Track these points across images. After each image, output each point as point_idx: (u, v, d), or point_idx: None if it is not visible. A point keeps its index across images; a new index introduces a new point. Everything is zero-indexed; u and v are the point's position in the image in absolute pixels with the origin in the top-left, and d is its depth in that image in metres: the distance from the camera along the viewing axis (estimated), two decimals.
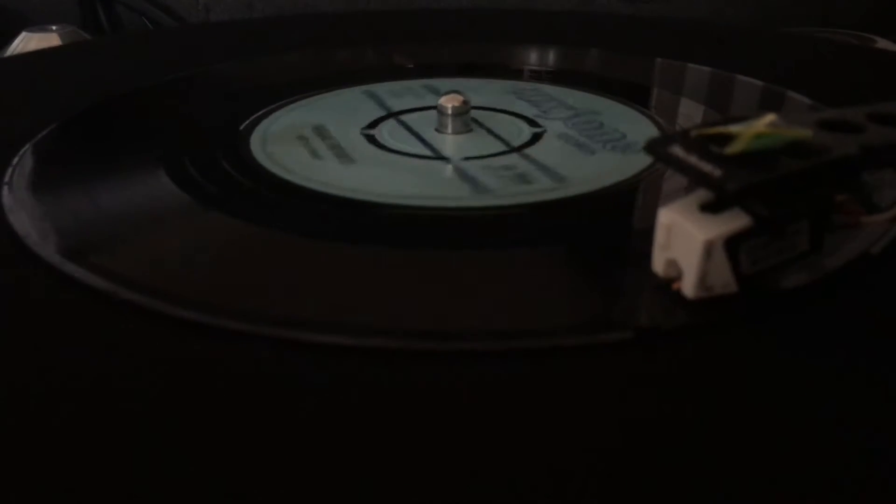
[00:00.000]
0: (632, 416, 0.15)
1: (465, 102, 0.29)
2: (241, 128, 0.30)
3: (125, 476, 0.13)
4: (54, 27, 0.55)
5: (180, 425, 0.15)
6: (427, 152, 0.28)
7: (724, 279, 0.17)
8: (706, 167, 0.16)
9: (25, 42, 0.53)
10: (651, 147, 0.18)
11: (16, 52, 0.52)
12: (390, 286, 0.19)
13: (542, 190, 0.24)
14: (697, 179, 0.17)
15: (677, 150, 0.17)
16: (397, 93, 0.35)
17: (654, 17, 0.66)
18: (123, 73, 0.39)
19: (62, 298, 0.19)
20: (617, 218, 0.24)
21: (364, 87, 0.36)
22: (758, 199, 0.17)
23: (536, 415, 0.15)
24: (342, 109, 0.33)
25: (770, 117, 0.18)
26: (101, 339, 0.17)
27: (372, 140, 0.29)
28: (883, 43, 0.56)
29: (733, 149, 0.17)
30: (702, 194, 0.17)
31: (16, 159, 0.27)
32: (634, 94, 0.34)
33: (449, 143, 0.29)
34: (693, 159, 0.17)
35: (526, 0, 0.70)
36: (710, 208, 0.17)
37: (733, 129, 0.17)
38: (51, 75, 0.40)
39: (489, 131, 0.30)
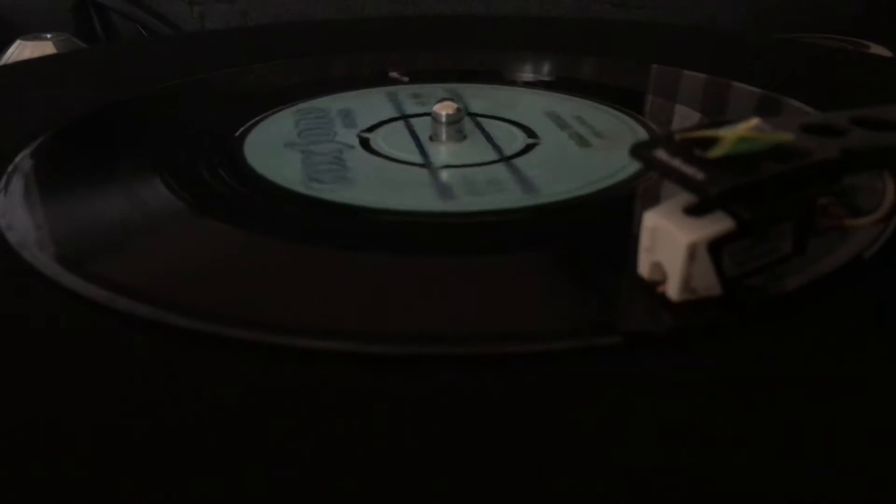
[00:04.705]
0: (625, 419, 0.15)
1: (458, 110, 0.29)
2: (237, 135, 0.31)
3: (119, 480, 0.13)
4: (49, 35, 0.55)
5: (178, 430, 0.15)
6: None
7: (708, 282, 0.17)
8: (689, 170, 0.17)
9: (20, 50, 0.53)
10: (635, 150, 0.18)
11: (10, 61, 0.53)
12: (383, 292, 0.19)
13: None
14: (681, 182, 0.17)
15: (661, 154, 0.17)
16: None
17: (649, 22, 0.66)
18: (118, 82, 0.40)
19: (56, 307, 0.19)
20: (607, 222, 0.24)
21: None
22: (740, 202, 0.17)
23: (529, 418, 0.15)
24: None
25: (754, 121, 0.18)
26: (98, 348, 0.17)
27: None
28: (876, 48, 0.56)
29: (716, 152, 0.17)
30: (686, 197, 0.18)
31: (10, 167, 0.27)
32: (628, 100, 0.34)
33: (443, 150, 0.29)
34: (677, 163, 0.17)
35: (520, 7, 0.70)
36: (693, 211, 0.17)
37: (717, 132, 0.17)
38: (45, 84, 0.40)
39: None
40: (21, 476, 0.14)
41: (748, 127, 0.18)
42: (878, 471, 0.14)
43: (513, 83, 0.39)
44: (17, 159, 0.28)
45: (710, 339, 0.17)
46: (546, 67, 0.42)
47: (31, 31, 0.57)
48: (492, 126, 0.31)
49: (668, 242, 0.17)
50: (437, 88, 0.37)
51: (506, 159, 0.28)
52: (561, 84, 0.38)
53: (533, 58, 0.43)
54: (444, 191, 0.25)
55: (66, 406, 0.15)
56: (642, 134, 0.31)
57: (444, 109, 0.29)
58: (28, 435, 0.15)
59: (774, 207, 0.17)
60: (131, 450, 0.14)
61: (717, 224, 0.17)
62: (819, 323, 0.18)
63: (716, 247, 0.17)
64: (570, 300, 0.19)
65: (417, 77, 0.39)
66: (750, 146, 0.17)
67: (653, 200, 0.24)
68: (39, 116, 0.33)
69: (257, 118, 0.32)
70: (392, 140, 0.30)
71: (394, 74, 0.40)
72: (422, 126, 0.31)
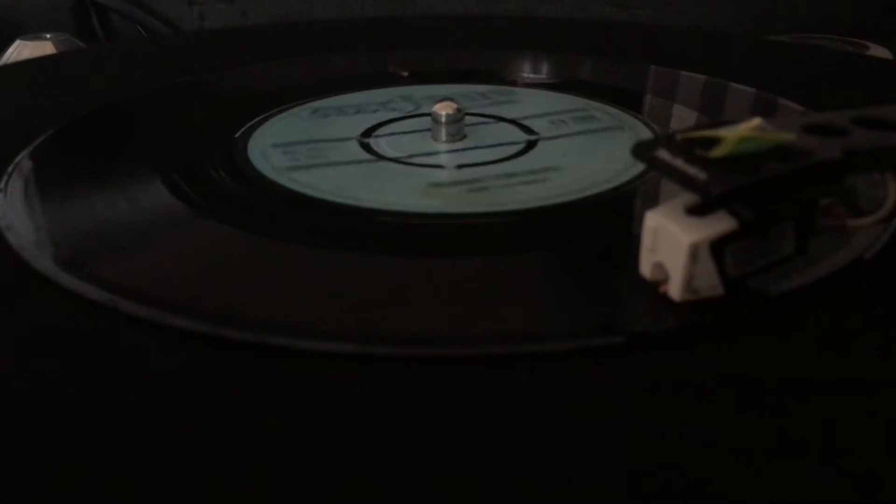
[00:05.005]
0: (627, 419, 0.15)
1: (458, 110, 0.29)
2: (237, 135, 0.31)
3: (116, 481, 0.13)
4: (48, 35, 0.55)
5: (178, 431, 0.15)
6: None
7: (710, 282, 0.17)
8: (691, 170, 0.17)
9: (20, 50, 0.53)
10: (637, 150, 0.18)
11: (10, 61, 0.52)
12: (384, 293, 0.19)
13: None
14: (683, 183, 0.17)
15: (663, 154, 0.17)
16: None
17: (649, 23, 0.66)
18: (118, 82, 0.40)
19: (55, 307, 0.19)
20: (607, 223, 0.24)
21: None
22: (742, 202, 0.17)
23: (531, 418, 0.15)
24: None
25: (755, 121, 0.18)
26: (97, 349, 0.17)
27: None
28: (875, 49, 0.56)
29: (718, 152, 0.17)
30: (688, 197, 0.18)
31: (11, 167, 0.27)
32: (627, 101, 0.34)
33: (442, 150, 0.29)
34: (679, 163, 0.17)
35: (520, 7, 0.70)
36: (695, 211, 0.17)
37: (719, 132, 0.17)
38: (45, 84, 0.40)
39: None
40: (20, 476, 0.14)
41: (750, 127, 0.18)
42: (878, 471, 0.14)
43: (513, 83, 0.39)
44: (17, 159, 0.28)
45: (712, 339, 0.17)
46: (544, 67, 0.42)
47: (30, 31, 0.57)
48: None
49: (670, 243, 0.17)
50: (437, 88, 0.37)
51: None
52: (560, 84, 0.38)
53: (532, 58, 0.43)
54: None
55: (65, 406, 0.15)
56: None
57: (444, 109, 0.29)
58: (27, 435, 0.15)
59: (776, 207, 0.17)
60: (131, 450, 0.14)
61: (719, 224, 0.17)
62: (820, 323, 0.18)
63: (718, 247, 0.17)
64: (572, 301, 0.19)
65: (419, 77, 0.39)
66: (752, 146, 0.17)
67: (655, 201, 0.24)
68: (39, 116, 0.33)
69: (259, 118, 0.32)
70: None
71: (394, 69, 0.40)
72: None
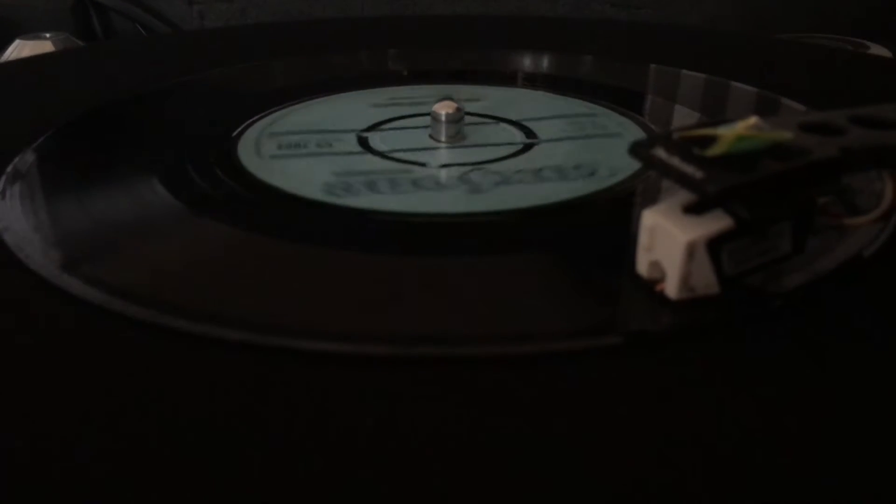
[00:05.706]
0: (623, 419, 0.15)
1: (458, 109, 0.29)
2: (234, 134, 0.31)
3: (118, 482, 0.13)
4: (48, 34, 0.55)
5: (176, 433, 0.15)
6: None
7: (706, 280, 0.17)
8: (688, 169, 0.17)
9: (19, 49, 0.53)
10: (634, 149, 0.18)
11: (9, 60, 0.52)
12: (381, 293, 0.19)
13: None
14: (679, 181, 0.17)
15: (660, 153, 0.17)
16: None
17: (648, 23, 0.66)
18: (117, 81, 0.40)
19: (54, 308, 0.19)
20: (605, 223, 0.24)
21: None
22: (739, 200, 0.17)
23: (528, 419, 0.15)
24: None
25: (752, 120, 0.18)
26: (95, 350, 0.17)
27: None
28: (876, 48, 0.56)
29: (715, 151, 0.17)
30: (685, 196, 0.18)
31: (9, 167, 0.27)
32: (628, 100, 0.34)
33: (442, 149, 0.29)
34: (675, 161, 0.17)
35: (520, 6, 0.70)
36: (692, 210, 0.17)
37: (716, 131, 0.17)
38: (45, 83, 0.40)
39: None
40: (20, 477, 0.14)
41: (747, 125, 0.18)
42: (878, 471, 0.14)
43: (512, 82, 0.39)
44: (15, 160, 0.28)
45: (709, 337, 0.17)
46: (544, 67, 0.42)
47: (30, 30, 0.57)
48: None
49: (667, 241, 0.17)
50: (437, 88, 0.36)
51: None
52: (560, 84, 0.38)
53: (532, 57, 0.43)
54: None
55: (65, 408, 0.15)
56: None
57: (444, 109, 0.29)
58: (25, 436, 0.15)
59: (773, 206, 0.17)
60: (131, 450, 0.14)
61: (716, 223, 0.17)
62: (818, 321, 0.18)
63: (714, 246, 0.17)
64: (569, 300, 0.19)
65: (418, 76, 0.39)
66: (749, 145, 0.17)
67: (652, 199, 0.24)
68: (38, 116, 0.33)
69: (257, 117, 0.32)
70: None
71: (393, 67, 0.40)
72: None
